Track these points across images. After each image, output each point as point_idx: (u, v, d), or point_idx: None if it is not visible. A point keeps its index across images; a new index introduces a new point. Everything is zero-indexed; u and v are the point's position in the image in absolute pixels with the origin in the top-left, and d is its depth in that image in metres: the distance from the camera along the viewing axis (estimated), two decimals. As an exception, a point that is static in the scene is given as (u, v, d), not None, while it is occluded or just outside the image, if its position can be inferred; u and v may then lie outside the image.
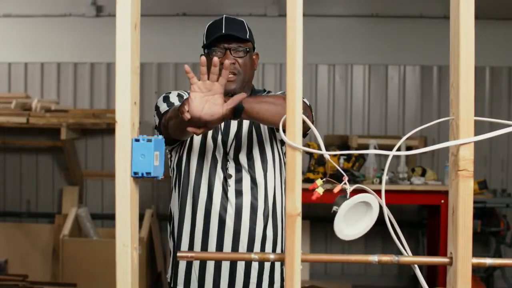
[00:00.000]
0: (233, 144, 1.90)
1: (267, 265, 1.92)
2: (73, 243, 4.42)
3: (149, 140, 1.13)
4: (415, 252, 3.71)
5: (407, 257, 1.17)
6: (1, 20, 5.12)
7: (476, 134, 1.09)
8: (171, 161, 1.99)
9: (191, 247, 1.90)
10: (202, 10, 4.95)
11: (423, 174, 4.16)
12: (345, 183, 1.14)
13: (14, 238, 4.83)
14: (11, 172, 5.14)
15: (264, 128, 1.92)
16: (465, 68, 1.08)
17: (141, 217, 4.54)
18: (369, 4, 5.06)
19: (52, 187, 5.13)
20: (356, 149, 4.64)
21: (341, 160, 4.18)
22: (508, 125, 1.11)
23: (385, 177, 1.24)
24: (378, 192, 1.17)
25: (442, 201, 3.91)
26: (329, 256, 1.20)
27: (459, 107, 1.08)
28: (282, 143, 1.95)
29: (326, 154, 1.14)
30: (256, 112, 1.61)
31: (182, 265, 1.93)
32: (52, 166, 5.14)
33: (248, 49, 1.90)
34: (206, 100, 1.52)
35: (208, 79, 1.52)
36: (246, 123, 1.92)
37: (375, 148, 4.25)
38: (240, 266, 1.89)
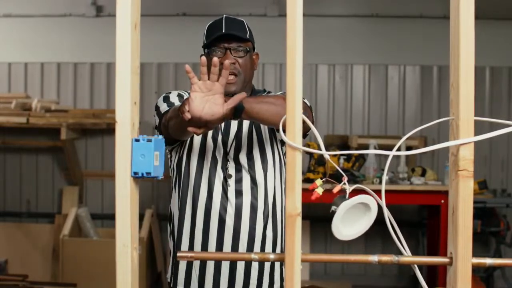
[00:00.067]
0: (233, 144, 1.90)
1: (267, 265, 1.92)
2: (73, 243, 4.42)
3: (149, 140, 1.13)
4: (415, 252, 3.71)
5: (407, 257, 1.17)
6: (1, 20, 5.12)
7: (476, 134, 1.09)
8: (171, 161, 1.99)
9: (191, 246, 1.90)
10: (202, 10, 4.95)
11: (423, 174, 4.16)
12: (344, 183, 1.14)
13: (14, 238, 4.83)
14: (11, 172, 5.14)
15: (264, 128, 1.93)
16: (465, 68, 1.09)
17: (141, 217, 4.54)
18: (369, 4, 5.06)
19: (52, 187, 5.13)
20: (356, 149, 4.64)
21: (341, 160, 4.18)
22: (508, 125, 1.11)
23: (385, 177, 1.24)
24: (378, 192, 1.17)
25: (442, 201, 3.91)
26: (329, 256, 1.20)
27: (459, 107, 1.08)
28: (282, 143, 1.95)
29: (326, 154, 1.14)
30: (256, 112, 1.62)
31: (182, 265, 1.93)
32: (52, 166, 5.14)
33: (248, 49, 1.90)
34: (206, 100, 1.52)
35: (209, 79, 1.52)
36: (246, 123, 1.92)
37: (375, 148, 4.25)
38: (240, 266, 1.89)
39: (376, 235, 4.70)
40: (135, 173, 1.12)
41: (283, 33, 1.10)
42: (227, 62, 1.54)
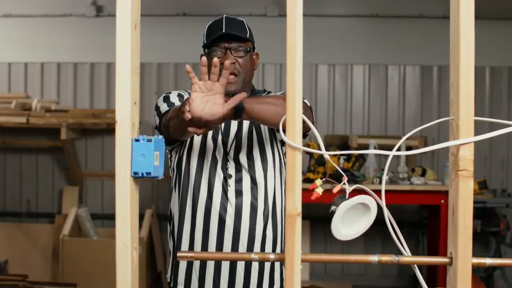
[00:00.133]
0: (233, 144, 1.90)
1: (267, 266, 1.92)
2: (73, 243, 4.42)
3: (149, 140, 1.13)
4: (415, 252, 3.71)
5: (407, 257, 1.17)
6: (1, 20, 5.12)
7: (476, 134, 1.09)
8: (171, 161, 1.99)
9: (191, 246, 1.90)
10: (202, 10, 4.95)
11: (423, 174, 4.16)
12: (344, 183, 1.14)
13: (14, 238, 4.83)
14: (11, 172, 5.14)
15: (264, 128, 1.93)
16: (465, 68, 1.09)
17: (141, 217, 4.54)
18: (369, 4, 5.06)
19: (52, 187, 5.13)
20: (356, 149, 4.64)
21: (341, 160, 4.18)
22: (508, 125, 1.11)
23: (385, 177, 1.24)
24: (378, 192, 1.17)
25: (442, 201, 3.91)
26: (329, 256, 1.20)
27: (459, 107, 1.08)
28: (282, 143, 1.95)
29: (326, 154, 1.14)
30: (257, 113, 1.62)
31: (182, 265, 1.93)
32: (52, 166, 5.14)
33: (248, 49, 1.90)
34: (207, 100, 1.52)
35: (209, 79, 1.52)
36: (246, 124, 1.92)
37: (375, 148, 4.25)
38: (240, 266, 1.89)
39: (376, 235, 4.70)
40: (135, 173, 1.12)
41: (283, 33, 1.10)
42: (227, 62, 1.54)
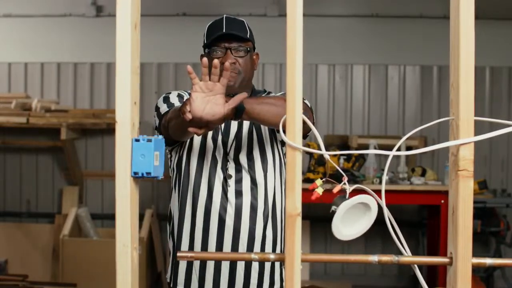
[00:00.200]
0: (233, 144, 1.90)
1: (267, 266, 1.92)
2: (73, 243, 4.42)
3: (149, 140, 1.13)
4: (415, 252, 3.71)
5: (407, 257, 1.17)
6: (1, 20, 5.12)
7: (476, 134, 1.09)
8: (171, 161, 1.99)
9: (191, 246, 1.90)
10: (202, 10, 4.96)
11: (423, 174, 4.16)
12: (344, 183, 1.14)
13: (14, 238, 4.83)
14: (11, 172, 5.14)
15: (264, 129, 1.92)
16: (465, 68, 1.09)
17: (141, 217, 4.54)
18: (369, 4, 5.06)
19: (52, 187, 5.13)
20: (356, 149, 4.64)
21: (341, 160, 4.18)
22: (508, 125, 1.11)
23: (385, 177, 1.24)
24: (378, 192, 1.17)
25: (442, 201, 3.91)
26: (329, 256, 1.20)
27: (459, 107, 1.08)
28: (283, 143, 1.95)
29: (326, 154, 1.14)
30: (257, 113, 1.62)
31: (182, 265, 1.92)
32: (52, 166, 5.14)
33: (248, 49, 1.90)
34: (207, 100, 1.52)
35: (210, 79, 1.53)
36: (246, 124, 1.92)
37: (375, 148, 4.25)
38: (240, 266, 1.89)
39: (376, 235, 4.70)
40: (135, 173, 1.12)
41: (283, 33, 1.10)
42: (227, 64, 1.54)
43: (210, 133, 1.90)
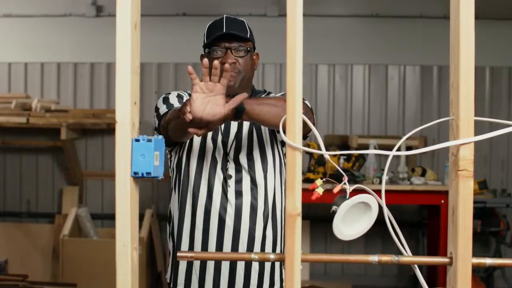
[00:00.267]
0: (233, 144, 1.90)
1: (267, 266, 1.92)
2: (73, 243, 4.41)
3: (149, 140, 1.13)
4: (415, 252, 3.71)
5: (407, 257, 1.17)
6: (1, 20, 5.12)
7: (476, 134, 1.09)
8: (170, 161, 1.99)
9: (191, 246, 1.90)
10: (202, 10, 4.95)
11: (423, 174, 4.16)
12: (344, 183, 1.14)
13: (14, 238, 4.83)
14: (11, 172, 5.14)
15: (264, 129, 1.92)
16: (465, 68, 1.08)
17: (141, 217, 4.54)
18: (369, 4, 5.06)
19: (52, 187, 5.13)
20: (356, 149, 4.64)
21: (341, 160, 4.18)
22: (508, 125, 1.11)
23: (385, 177, 1.24)
24: (378, 192, 1.17)
25: (442, 201, 3.91)
26: (329, 256, 1.20)
27: (459, 107, 1.08)
28: (283, 144, 1.95)
29: (326, 154, 1.14)
30: (257, 114, 1.62)
31: (182, 266, 1.92)
32: (52, 166, 5.14)
33: (248, 49, 1.90)
34: (208, 101, 1.52)
35: (210, 80, 1.53)
36: (246, 124, 1.92)
37: (375, 148, 4.25)
38: (240, 266, 1.89)
39: (376, 235, 4.70)
40: (135, 173, 1.12)
41: (283, 33, 1.10)
42: (227, 66, 1.54)
43: (210, 134, 1.90)
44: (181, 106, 1.60)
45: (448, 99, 1.14)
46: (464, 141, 1.08)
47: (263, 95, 2.01)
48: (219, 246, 1.87)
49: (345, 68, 5.09)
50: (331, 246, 5.00)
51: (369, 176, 4.15)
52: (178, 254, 1.18)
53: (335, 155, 1.24)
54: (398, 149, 1.12)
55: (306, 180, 3.77)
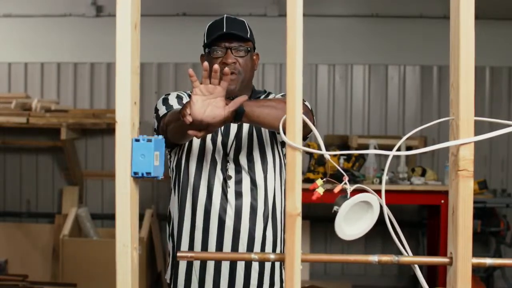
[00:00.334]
0: (233, 145, 1.90)
1: (267, 267, 1.92)
2: (73, 243, 4.42)
3: (149, 140, 1.13)
4: (415, 252, 3.71)
5: (407, 257, 1.17)
6: (1, 20, 5.12)
7: (476, 134, 1.09)
8: (170, 161, 1.99)
9: (191, 245, 1.90)
10: (202, 10, 4.95)
11: (423, 174, 4.16)
12: (345, 183, 1.14)
13: (14, 238, 4.83)
14: (11, 172, 5.14)
15: (264, 130, 1.92)
16: (465, 68, 1.08)
17: (141, 217, 4.54)
18: (369, 4, 5.06)
19: (52, 187, 5.13)
20: (356, 149, 4.64)
21: (341, 160, 4.18)
22: (508, 125, 1.11)
23: (385, 177, 1.24)
24: (378, 192, 1.17)
25: (442, 201, 3.91)
26: (329, 256, 1.20)
27: (459, 107, 1.08)
28: (283, 144, 1.95)
29: (326, 154, 1.14)
30: (257, 116, 1.62)
31: (182, 266, 1.92)
32: (52, 166, 5.14)
33: (249, 49, 1.90)
34: (208, 103, 1.52)
35: (210, 82, 1.53)
36: (246, 125, 1.91)
37: (375, 148, 4.25)
38: (240, 267, 1.89)
39: (376, 235, 4.69)
40: (135, 173, 1.12)
41: (283, 33, 1.09)
42: (227, 69, 1.54)
43: (209, 135, 1.89)
44: (180, 109, 1.60)
45: (448, 99, 1.14)
46: (464, 141, 1.08)
47: (263, 96, 2.00)
48: (219, 246, 1.87)
49: (345, 68, 5.09)
50: (331, 246, 5.00)
51: (369, 176, 4.15)
52: (178, 254, 1.18)
53: (335, 155, 1.24)
54: (398, 149, 1.12)
55: (306, 180, 3.77)
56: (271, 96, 2.00)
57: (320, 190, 1.14)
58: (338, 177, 1.15)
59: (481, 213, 4.41)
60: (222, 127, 1.90)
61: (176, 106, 1.87)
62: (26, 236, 4.84)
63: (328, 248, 5.00)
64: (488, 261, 1.12)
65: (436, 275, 4.13)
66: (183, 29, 4.98)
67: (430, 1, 4.98)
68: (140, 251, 1.16)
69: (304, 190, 1.10)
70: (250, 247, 1.88)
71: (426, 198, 4.05)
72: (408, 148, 4.58)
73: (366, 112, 5.09)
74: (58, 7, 5.08)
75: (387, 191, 1.20)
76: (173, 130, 1.73)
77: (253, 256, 1.15)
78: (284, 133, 1.10)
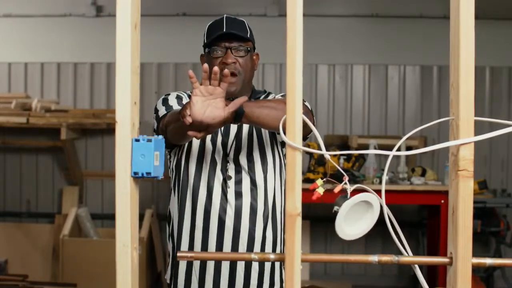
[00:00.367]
0: (233, 145, 1.90)
1: (267, 267, 1.92)
2: (73, 243, 4.42)
3: (149, 140, 1.13)
4: (415, 252, 3.71)
5: (407, 257, 1.17)
6: (1, 20, 5.12)
7: (476, 134, 1.09)
8: (170, 162, 1.99)
9: (191, 245, 1.90)
10: (202, 10, 4.96)
11: (423, 174, 4.16)
12: (345, 183, 1.14)
13: (14, 238, 4.83)
14: (11, 172, 5.14)
15: (264, 130, 1.92)
16: (465, 68, 1.08)
17: (141, 217, 4.54)
18: (369, 4, 5.06)
19: (52, 187, 5.13)
20: (356, 149, 4.64)
21: (341, 160, 4.18)
22: (508, 125, 1.11)
23: (385, 177, 1.24)
24: (378, 192, 1.17)
25: (442, 201, 3.91)
26: (329, 256, 1.20)
27: (459, 107, 1.08)
28: (283, 144, 1.95)
29: (326, 154, 1.14)
30: (257, 117, 1.62)
31: (182, 267, 1.92)
32: (52, 166, 5.14)
33: (249, 49, 1.90)
34: (208, 104, 1.52)
35: (210, 84, 1.53)
36: (246, 125, 1.91)
37: (375, 148, 4.25)
38: (240, 267, 1.89)
39: (376, 235, 4.68)
40: (135, 173, 1.12)
41: (283, 33, 1.09)
42: (227, 70, 1.55)
43: (209, 135, 1.89)
44: (180, 109, 1.60)
45: (448, 99, 1.14)
46: (464, 141, 1.08)
47: (263, 96, 2.00)
48: (219, 246, 1.87)
49: (345, 68, 5.09)
50: (331, 246, 5.00)
51: (369, 176, 4.15)
52: (178, 254, 1.18)
53: (335, 155, 1.24)
54: (398, 149, 1.12)
55: (306, 180, 3.77)
56: (271, 96, 2.00)
57: (320, 190, 1.14)
58: (338, 177, 1.15)
59: (481, 213, 4.41)
60: (222, 128, 1.90)
61: (176, 106, 1.87)
62: (26, 236, 4.84)
63: (328, 248, 4.99)
64: (488, 261, 1.12)
65: (436, 275, 4.13)
66: (183, 29, 4.98)
67: (430, 1, 4.98)
68: (140, 251, 1.16)
69: (304, 190, 1.10)
70: (250, 247, 1.88)
71: (426, 198, 4.05)
72: (408, 148, 4.58)
73: (366, 112, 5.09)
74: (58, 7, 5.08)
75: (387, 191, 1.20)
76: (172, 130, 1.73)
77: (253, 256, 1.15)
78: (284, 133, 1.10)
